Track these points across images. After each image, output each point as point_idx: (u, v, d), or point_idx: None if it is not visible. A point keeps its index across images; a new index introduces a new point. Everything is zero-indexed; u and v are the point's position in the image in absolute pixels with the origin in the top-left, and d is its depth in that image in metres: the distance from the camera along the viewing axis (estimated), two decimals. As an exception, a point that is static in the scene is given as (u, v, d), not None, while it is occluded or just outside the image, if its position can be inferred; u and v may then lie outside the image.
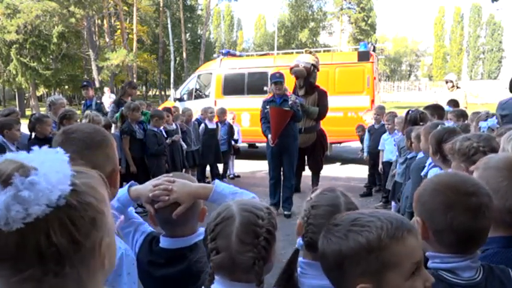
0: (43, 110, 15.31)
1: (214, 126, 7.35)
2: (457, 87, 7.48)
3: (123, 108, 5.92)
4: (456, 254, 1.12)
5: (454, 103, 5.89)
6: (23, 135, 4.96)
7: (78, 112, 6.31)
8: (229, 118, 8.24)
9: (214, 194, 1.39)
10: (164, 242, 1.41)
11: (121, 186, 1.46)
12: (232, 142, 8.06)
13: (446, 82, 7.62)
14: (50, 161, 0.60)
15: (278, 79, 5.43)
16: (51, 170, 0.59)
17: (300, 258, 1.29)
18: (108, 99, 12.43)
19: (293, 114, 5.39)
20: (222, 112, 7.78)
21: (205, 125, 7.25)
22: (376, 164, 6.27)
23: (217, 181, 1.47)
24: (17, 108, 12.05)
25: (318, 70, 6.52)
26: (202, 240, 1.12)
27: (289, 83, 6.21)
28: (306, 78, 6.17)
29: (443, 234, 1.10)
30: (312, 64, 6.28)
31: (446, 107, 5.35)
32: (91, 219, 0.63)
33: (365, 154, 6.67)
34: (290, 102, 5.37)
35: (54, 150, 0.63)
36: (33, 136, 4.58)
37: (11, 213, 0.55)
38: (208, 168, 7.65)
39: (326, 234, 1.00)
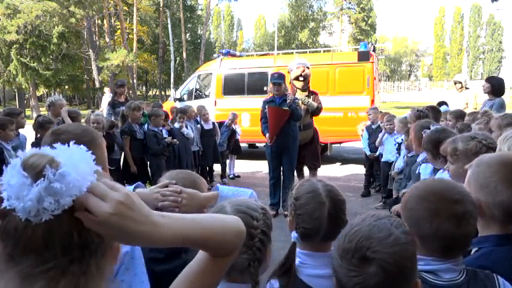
0: (43, 110, 15.30)
1: (211, 127, 7.36)
2: (466, 88, 7.23)
3: (124, 108, 5.93)
4: (440, 258, 1.13)
5: (444, 104, 5.93)
6: (21, 135, 4.99)
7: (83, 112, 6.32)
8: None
9: (220, 199, 1.41)
10: None
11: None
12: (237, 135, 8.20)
13: (455, 83, 7.42)
14: (76, 154, 0.62)
15: (277, 80, 5.43)
16: (80, 162, 0.61)
17: (299, 250, 1.36)
18: (108, 99, 12.46)
19: (291, 113, 5.38)
20: (233, 119, 7.93)
21: (201, 125, 7.25)
22: (373, 164, 6.41)
23: (219, 186, 1.50)
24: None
25: None
26: None
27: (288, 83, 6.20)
28: (309, 80, 6.16)
29: (428, 240, 1.12)
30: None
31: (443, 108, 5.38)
32: None
33: (368, 152, 6.62)
34: (288, 101, 5.37)
35: (77, 145, 0.64)
36: (38, 137, 4.64)
37: (43, 204, 0.57)
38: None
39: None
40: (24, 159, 0.59)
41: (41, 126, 4.54)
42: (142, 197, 1.38)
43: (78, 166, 0.60)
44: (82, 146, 0.64)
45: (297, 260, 1.35)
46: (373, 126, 6.58)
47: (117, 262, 0.71)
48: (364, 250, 0.91)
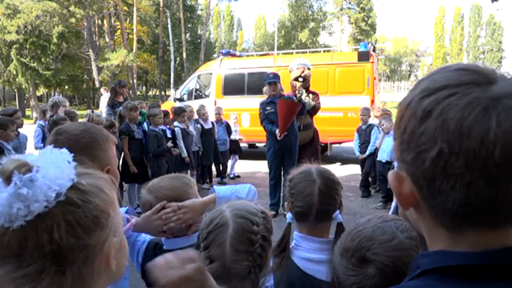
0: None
1: (210, 126, 7.36)
2: None
3: (120, 108, 5.91)
4: None
5: None
6: (21, 135, 4.99)
7: (79, 112, 6.31)
8: (231, 119, 8.28)
9: (219, 200, 1.41)
10: (169, 244, 1.41)
11: (121, 186, 1.47)
12: (237, 138, 8.15)
13: None
14: (52, 158, 0.62)
15: (272, 79, 5.45)
16: (51, 166, 0.60)
17: (296, 232, 1.39)
18: (106, 99, 12.42)
19: (301, 107, 5.45)
20: (218, 112, 7.81)
21: (201, 125, 7.24)
22: (369, 165, 6.51)
23: (215, 187, 1.50)
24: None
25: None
26: (195, 247, 1.08)
27: (285, 84, 6.19)
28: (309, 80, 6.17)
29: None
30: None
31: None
32: (94, 218, 0.63)
33: (357, 154, 6.76)
34: (299, 95, 5.45)
35: (58, 149, 0.64)
36: None
37: (12, 210, 0.56)
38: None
39: None
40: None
41: (55, 124, 4.53)
42: (143, 226, 1.37)
43: (49, 169, 0.59)
44: (63, 149, 0.64)
45: (293, 242, 1.38)
46: (363, 127, 6.65)
47: (114, 267, 0.69)
48: (365, 251, 0.90)
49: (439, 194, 0.52)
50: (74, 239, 0.61)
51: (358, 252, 0.91)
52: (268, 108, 5.56)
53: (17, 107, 23.31)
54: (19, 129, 4.99)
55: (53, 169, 0.60)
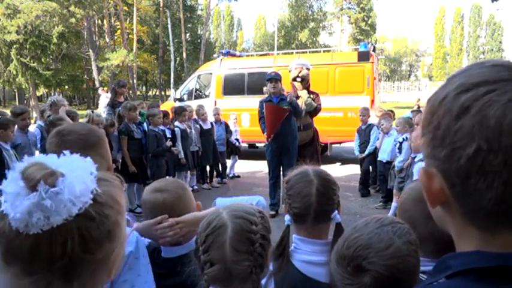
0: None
1: (209, 126, 7.36)
2: None
3: (119, 108, 5.91)
4: (435, 260, 1.12)
5: None
6: (30, 133, 5.04)
7: (79, 112, 6.32)
8: (231, 119, 8.27)
9: None
10: (167, 252, 1.41)
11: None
12: (236, 143, 8.14)
13: None
14: (77, 170, 0.61)
15: (274, 77, 5.46)
16: (77, 180, 0.60)
17: (294, 235, 1.38)
18: (105, 99, 12.39)
19: (291, 111, 5.39)
20: (216, 113, 7.81)
21: (200, 125, 7.24)
22: (367, 164, 6.54)
23: (217, 200, 1.50)
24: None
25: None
26: (194, 252, 1.08)
27: (287, 84, 6.19)
28: (308, 80, 6.18)
29: (424, 243, 1.09)
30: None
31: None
32: (107, 232, 0.63)
33: (357, 153, 6.78)
34: (288, 99, 5.39)
35: (82, 158, 0.64)
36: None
37: (32, 219, 0.56)
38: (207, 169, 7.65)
39: None
40: (24, 167, 0.58)
41: (52, 124, 4.53)
42: (144, 232, 1.36)
43: (74, 184, 0.59)
44: (88, 158, 0.64)
45: (292, 245, 1.37)
46: (363, 127, 6.66)
47: (113, 276, 0.70)
48: (360, 260, 0.89)
49: (474, 192, 0.51)
50: (85, 253, 0.61)
51: (354, 261, 0.90)
52: (264, 104, 5.56)
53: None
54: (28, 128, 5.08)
55: (79, 184, 0.60)
